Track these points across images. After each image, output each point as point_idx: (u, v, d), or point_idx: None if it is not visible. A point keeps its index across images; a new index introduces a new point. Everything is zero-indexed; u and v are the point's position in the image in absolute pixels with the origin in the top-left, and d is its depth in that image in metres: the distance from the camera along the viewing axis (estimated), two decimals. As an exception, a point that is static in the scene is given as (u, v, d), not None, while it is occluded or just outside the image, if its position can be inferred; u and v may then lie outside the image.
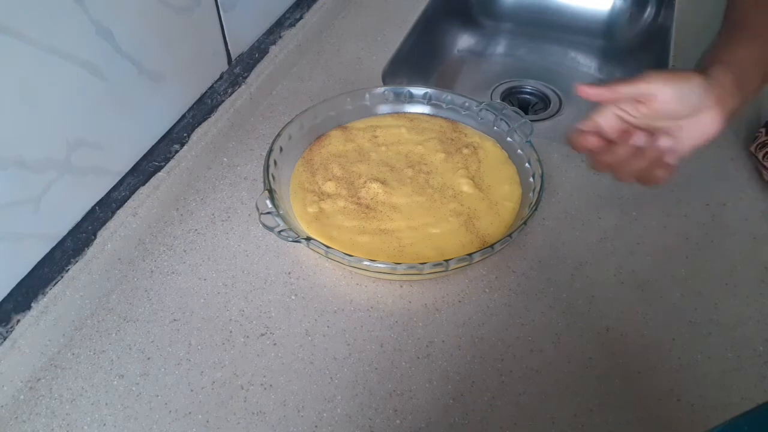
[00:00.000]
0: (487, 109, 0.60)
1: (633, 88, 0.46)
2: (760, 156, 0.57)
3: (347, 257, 0.46)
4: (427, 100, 0.62)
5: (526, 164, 0.55)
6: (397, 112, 0.63)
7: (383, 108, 0.63)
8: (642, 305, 0.49)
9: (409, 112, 0.63)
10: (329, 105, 0.60)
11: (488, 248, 0.46)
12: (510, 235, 0.47)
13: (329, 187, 0.55)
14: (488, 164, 0.58)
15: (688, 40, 0.77)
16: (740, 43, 0.47)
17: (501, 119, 0.59)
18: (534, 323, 0.48)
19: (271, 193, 0.50)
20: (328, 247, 0.46)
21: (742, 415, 0.26)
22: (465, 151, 0.59)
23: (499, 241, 0.47)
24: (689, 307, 0.49)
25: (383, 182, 0.55)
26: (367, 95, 0.62)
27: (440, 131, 0.61)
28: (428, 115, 0.63)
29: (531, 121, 0.57)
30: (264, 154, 0.56)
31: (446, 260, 0.45)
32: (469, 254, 0.46)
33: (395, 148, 0.59)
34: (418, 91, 0.62)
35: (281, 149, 0.55)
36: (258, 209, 0.48)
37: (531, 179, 0.54)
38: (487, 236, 0.51)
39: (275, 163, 0.54)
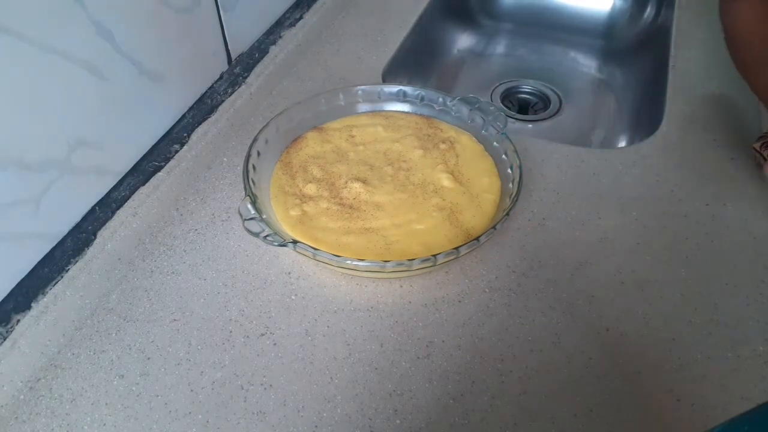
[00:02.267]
0: (461, 104, 0.60)
1: None
2: (765, 154, 0.57)
3: (335, 258, 0.46)
4: (400, 97, 0.62)
5: (503, 156, 0.56)
6: (371, 111, 0.63)
7: (358, 107, 0.62)
8: (642, 305, 0.49)
9: (384, 110, 0.63)
10: (304, 107, 0.60)
11: (474, 241, 0.47)
12: (494, 227, 0.47)
13: (310, 189, 0.55)
14: (466, 158, 0.58)
15: (688, 40, 0.77)
16: None
17: (475, 113, 0.59)
18: (534, 323, 0.48)
19: (253, 199, 0.50)
20: (315, 249, 0.46)
21: (742, 415, 0.26)
22: (442, 146, 0.59)
23: (484, 233, 0.47)
24: (689, 307, 0.49)
25: (364, 181, 0.55)
26: (341, 95, 0.61)
27: (416, 128, 0.61)
28: (403, 112, 0.63)
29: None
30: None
31: (434, 255, 0.46)
32: (456, 248, 0.46)
33: (373, 146, 0.59)
34: (391, 88, 0.62)
35: (259, 153, 0.55)
36: (241, 215, 0.48)
37: (509, 170, 0.54)
38: (471, 229, 0.51)
39: (254, 167, 0.53)
